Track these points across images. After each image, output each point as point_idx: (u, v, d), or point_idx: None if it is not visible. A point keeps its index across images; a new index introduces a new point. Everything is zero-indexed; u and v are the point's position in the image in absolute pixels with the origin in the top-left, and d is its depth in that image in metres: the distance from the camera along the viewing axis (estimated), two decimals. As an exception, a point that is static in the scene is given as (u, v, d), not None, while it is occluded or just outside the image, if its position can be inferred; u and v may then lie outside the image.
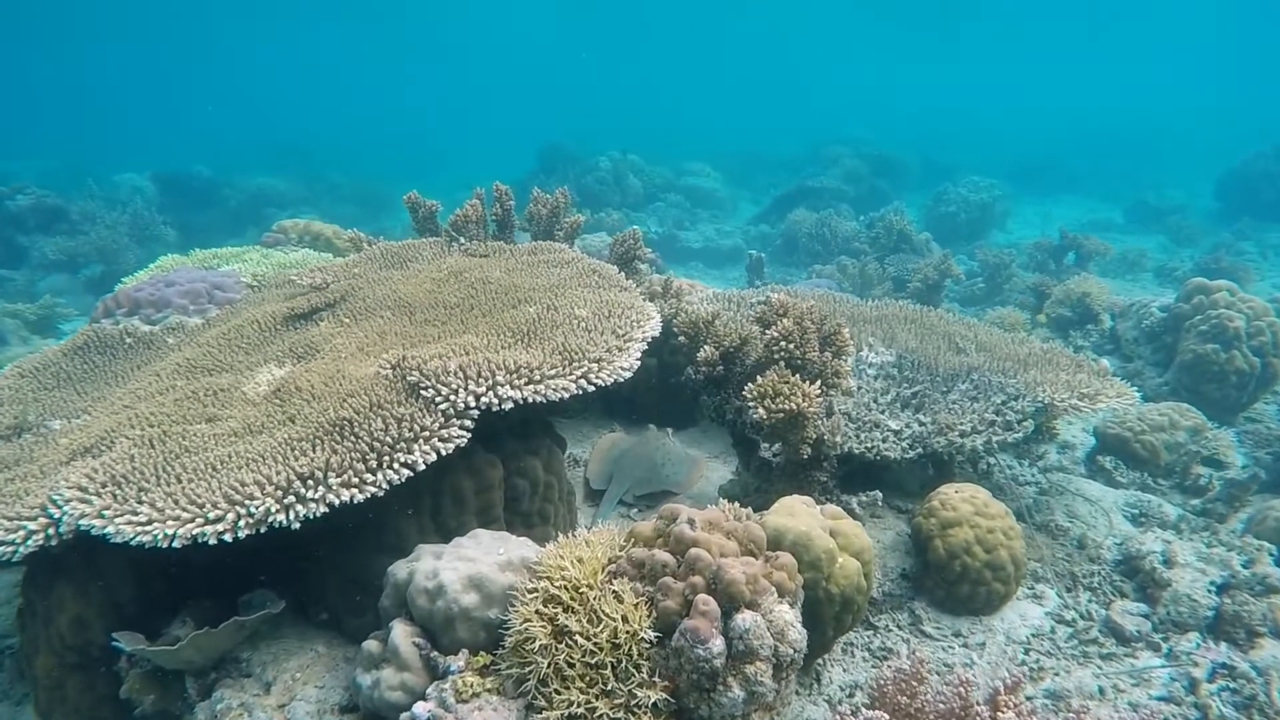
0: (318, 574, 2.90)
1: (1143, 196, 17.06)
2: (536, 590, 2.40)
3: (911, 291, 8.21)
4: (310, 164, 19.28)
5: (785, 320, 3.36)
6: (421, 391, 2.80)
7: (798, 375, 3.30)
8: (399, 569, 2.59)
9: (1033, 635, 3.32)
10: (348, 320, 3.74)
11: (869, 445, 3.72)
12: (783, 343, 3.36)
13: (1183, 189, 18.53)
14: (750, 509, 2.93)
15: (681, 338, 3.97)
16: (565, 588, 2.37)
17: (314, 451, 2.60)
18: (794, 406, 3.13)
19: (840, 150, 18.95)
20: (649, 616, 2.27)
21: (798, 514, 2.82)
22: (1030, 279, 9.05)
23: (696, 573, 2.29)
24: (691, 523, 2.46)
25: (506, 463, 3.01)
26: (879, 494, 3.70)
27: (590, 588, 2.37)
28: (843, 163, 17.90)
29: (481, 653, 2.43)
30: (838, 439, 3.42)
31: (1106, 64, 46.49)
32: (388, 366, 2.98)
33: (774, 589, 2.33)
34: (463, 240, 4.48)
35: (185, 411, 3.16)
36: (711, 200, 17.12)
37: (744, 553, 2.50)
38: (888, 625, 3.41)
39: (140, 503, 2.46)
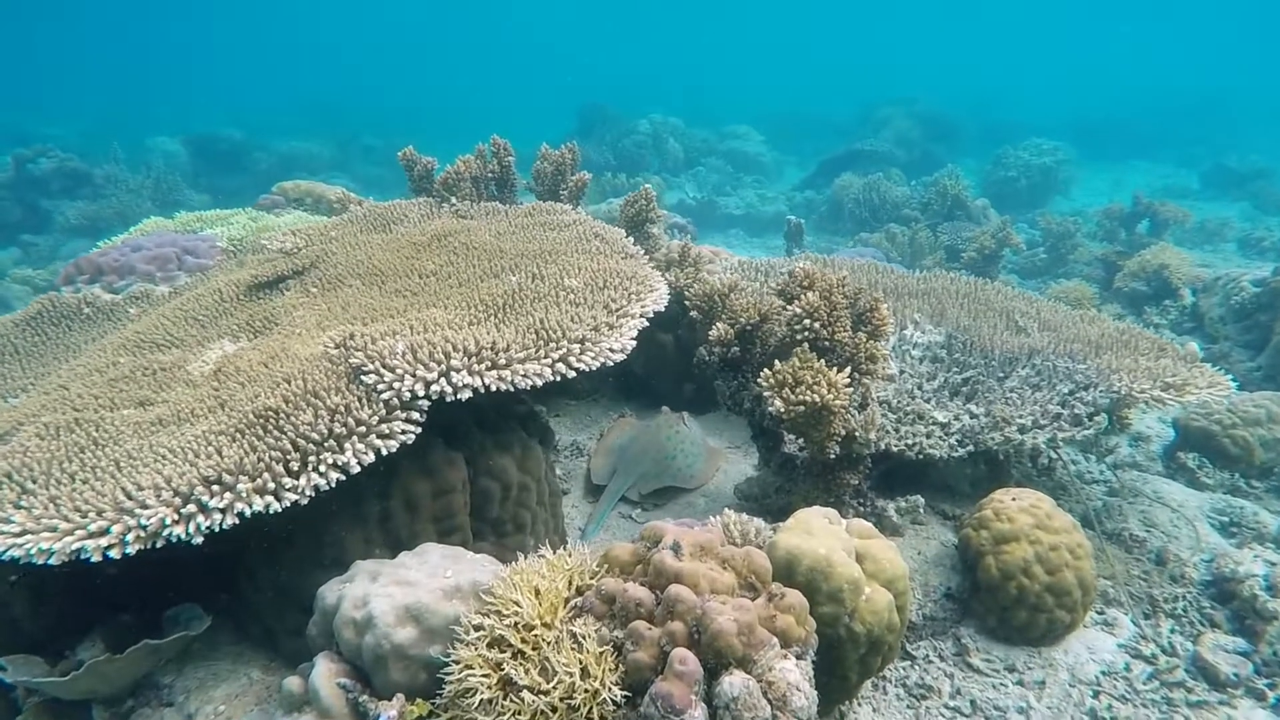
0: (252, 587, 2.49)
1: (1222, 160, 15.78)
2: (483, 628, 1.95)
3: (966, 262, 7.51)
4: (344, 126, 18.95)
5: (810, 294, 2.82)
6: (363, 376, 2.34)
7: (824, 360, 2.77)
8: (328, 592, 2.16)
9: (1103, 673, 2.78)
10: (314, 290, 3.31)
11: (911, 442, 3.17)
12: (806, 320, 2.82)
13: (1266, 152, 17.12)
14: (760, 523, 2.43)
15: (694, 312, 3.45)
16: (515, 626, 1.91)
17: (229, 448, 2.17)
18: (817, 399, 2.60)
19: (891, 112, 17.96)
20: (616, 670, 1.80)
21: (816, 532, 2.31)
22: (1098, 249, 8.25)
23: (676, 617, 1.81)
24: (676, 549, 1.97)
25: (472, 461, 2.55)
26: (920, 499, 3.16)
27: (547, 627, 1.91)
28: (894, 125, 16.96)
29: (419, 700, 2.00)
30: (872, 435, 2.88)
31: (1178, 16, 43.56)
32: (333, 345, 2.53)
33: (776, 640, 1.84)
34: (454, 200, 4.00)
35: (117, 393, 2.77)
36: (755, 164, 16.37)
37: (743, 586, 2.01)
38: (928, 655, 2.89)
39: (17, 508, 2.06)
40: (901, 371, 3.73)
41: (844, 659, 2.23)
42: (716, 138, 17.23)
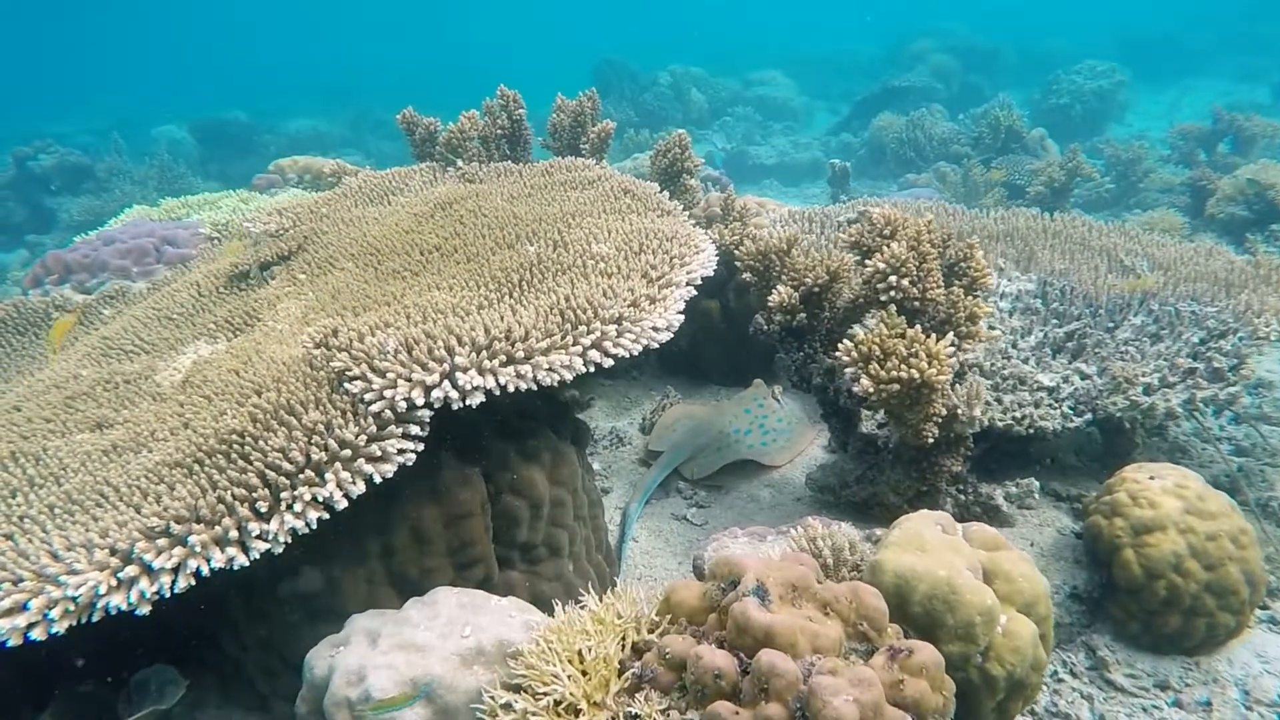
0: (236, 643, 2.06)
1: (1296, 69, 14.54)
2: (513, 708, 1.49)
3: (1033, 197, 6.83)
4: (355, 103, 18.35)
5: (894, 244, 2.27)
6: (348, 383, 1.87)
7: (916, 325, 2.23)
8: (317, 659, 1.71)
9: (1284, 691, 2.25)
10: (302, 276, 2.84)
11: (1019, 414, 2.63)
12: (892, 277, 2.28)
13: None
14: (852, 531, 1.94)
15: (747, 274, 2.92)
16: (555, 709, 1.45)
17: (182, 486, 1.72)
18: (915, 374, 2.08)
19: (926, 45, 16.88)
20: (693, 772, 1.33)
21: (931, 548, 1.80)
22: (1175, 175, 7.48)
23: (772, 697, 1.32)
24: (762, 593, 1.48)
25: (492, 476, 2.08)
26: (1035, 483, 2.64)
27: (597, 707, 1.44)
28: (930, 59, 15.94)
29: (436, 801, 1.55)
30: (977, 413, 2.35)
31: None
32: (313, 344, 2.06)
33: (908, 717, 1.34)
34: (459, 163, 3.49)
35: (72, 414, 2.34)
36: (785, 111, 15.52)
37: (852, 636, 1.51)
38: (1057, 672, 2.39)
39: (-78, 579, 1.63)
40: (990, 327, 3.18)
41: (977, 711, 1.74)
42: (741, 85, 16.37)
